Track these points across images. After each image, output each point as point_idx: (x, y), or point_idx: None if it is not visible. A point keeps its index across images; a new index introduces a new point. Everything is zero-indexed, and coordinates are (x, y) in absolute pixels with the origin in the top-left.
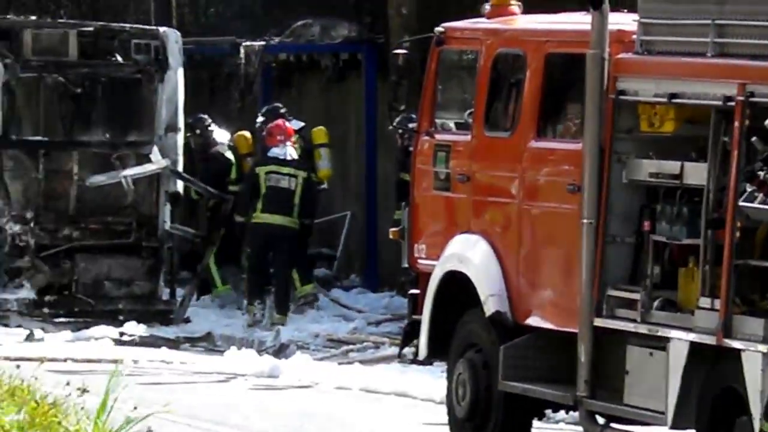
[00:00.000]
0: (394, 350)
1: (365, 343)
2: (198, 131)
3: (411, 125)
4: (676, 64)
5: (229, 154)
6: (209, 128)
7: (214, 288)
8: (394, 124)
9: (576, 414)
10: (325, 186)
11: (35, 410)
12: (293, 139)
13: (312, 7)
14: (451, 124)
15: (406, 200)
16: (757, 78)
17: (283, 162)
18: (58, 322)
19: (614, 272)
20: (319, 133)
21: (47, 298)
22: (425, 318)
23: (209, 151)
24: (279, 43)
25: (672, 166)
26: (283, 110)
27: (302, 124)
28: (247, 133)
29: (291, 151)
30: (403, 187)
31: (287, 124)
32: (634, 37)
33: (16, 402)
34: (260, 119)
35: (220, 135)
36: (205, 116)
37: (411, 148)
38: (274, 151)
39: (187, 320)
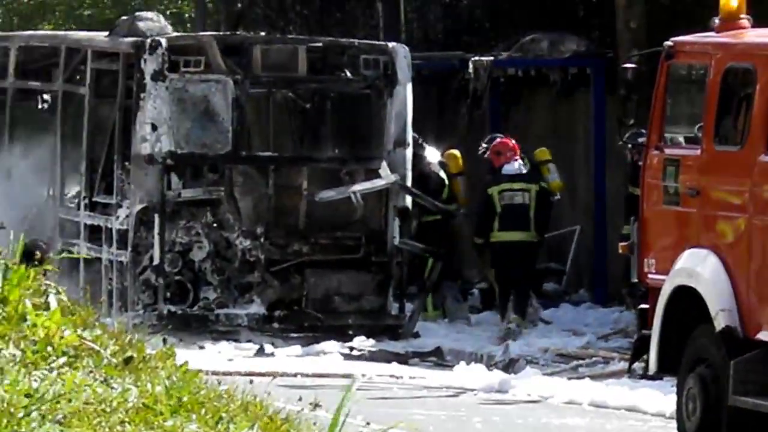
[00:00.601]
0: (624, 365)
1: (594, 358)
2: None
3: (640, 140)
4: None
5: (443, 173)
6: (421, 147)
7: (424, 311)
8: (624, 139)
9: None
10: (558, 197)
11: (268, 425)
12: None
13: (540, 21)
14: (681, 139)
15: (635, 215)
16: None
17: (516, 177)
18: (287, 337)
19: None
20: (544, 152)
21: (277, 313)
22: (655, 333)
23: (423, 170)
24: (507, 57)
25: None
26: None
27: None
28: (457, 152)
29: (521, 166)
30: (633, 201)
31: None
32: None
33: (249, 417)
34: (483, 146)
35: (432, 154)
36: (416, 135)
37: (640, 163)
38: (506, 168)
39: (416, 335)
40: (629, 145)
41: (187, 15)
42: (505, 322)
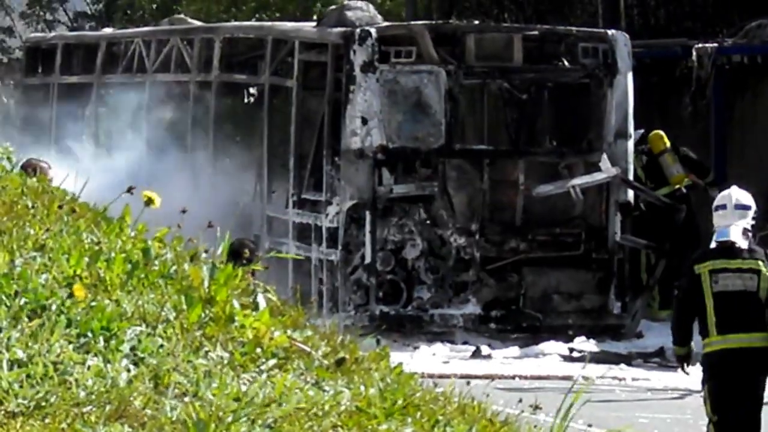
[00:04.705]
0: None
1: None
2: None
3: None
4: None
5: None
6: None
7: (650, 308)
8: None
9: None
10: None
11: (486, 428)
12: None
13: (767, 5)
14: None
15: None
16: None
17: None
18: (505, 337)
19: None
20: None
21: (494, 313)
22: None
23: None
24: (733, 44)
25: None
26: None
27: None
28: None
29: None
30: None
31: None
32: None
33: (467, 420)
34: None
35: None
36: None
37: None
38: None
39: (640, 335)
40: None
41: (387, 6)
42: None
